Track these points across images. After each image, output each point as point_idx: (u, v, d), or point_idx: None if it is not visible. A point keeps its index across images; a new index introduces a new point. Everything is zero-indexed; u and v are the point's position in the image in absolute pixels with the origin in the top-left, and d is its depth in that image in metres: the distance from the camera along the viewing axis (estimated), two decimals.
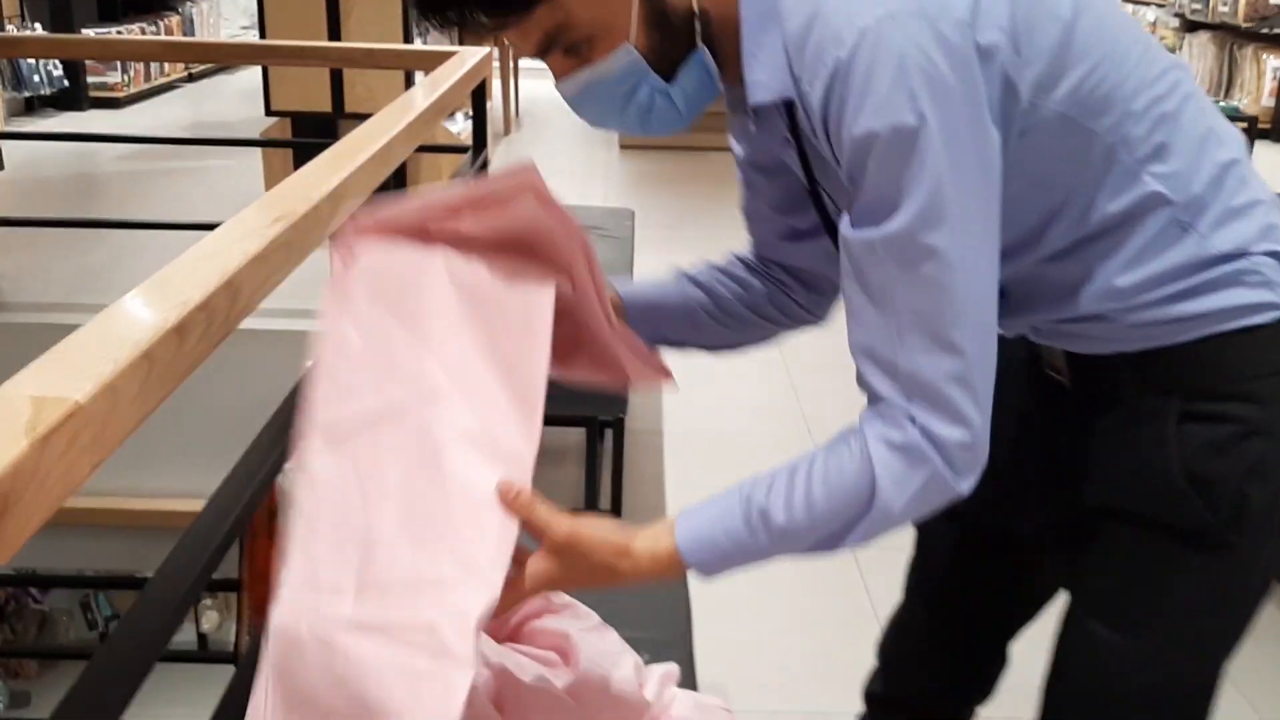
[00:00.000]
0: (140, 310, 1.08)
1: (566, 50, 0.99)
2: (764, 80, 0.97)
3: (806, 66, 0.92)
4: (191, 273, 1.20)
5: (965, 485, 0.97)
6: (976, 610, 1.40)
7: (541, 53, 1.00)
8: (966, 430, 0.94)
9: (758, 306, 1.30)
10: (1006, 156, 0.95)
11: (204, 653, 4.48)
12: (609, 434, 2.60)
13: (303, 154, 5.35)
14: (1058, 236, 1.03)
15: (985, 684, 1.47)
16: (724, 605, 2.12)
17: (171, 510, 3.93)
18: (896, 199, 0.90)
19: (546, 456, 3.06)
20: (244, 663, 1.57)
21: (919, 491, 0.96)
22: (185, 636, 6.05)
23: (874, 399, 0.99)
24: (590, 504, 2.58)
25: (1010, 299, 1.07)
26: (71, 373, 0.93)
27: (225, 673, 1.39)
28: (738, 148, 1.21)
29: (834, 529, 0.99)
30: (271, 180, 5.49)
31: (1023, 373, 1.19)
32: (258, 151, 5.53)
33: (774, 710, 2.14)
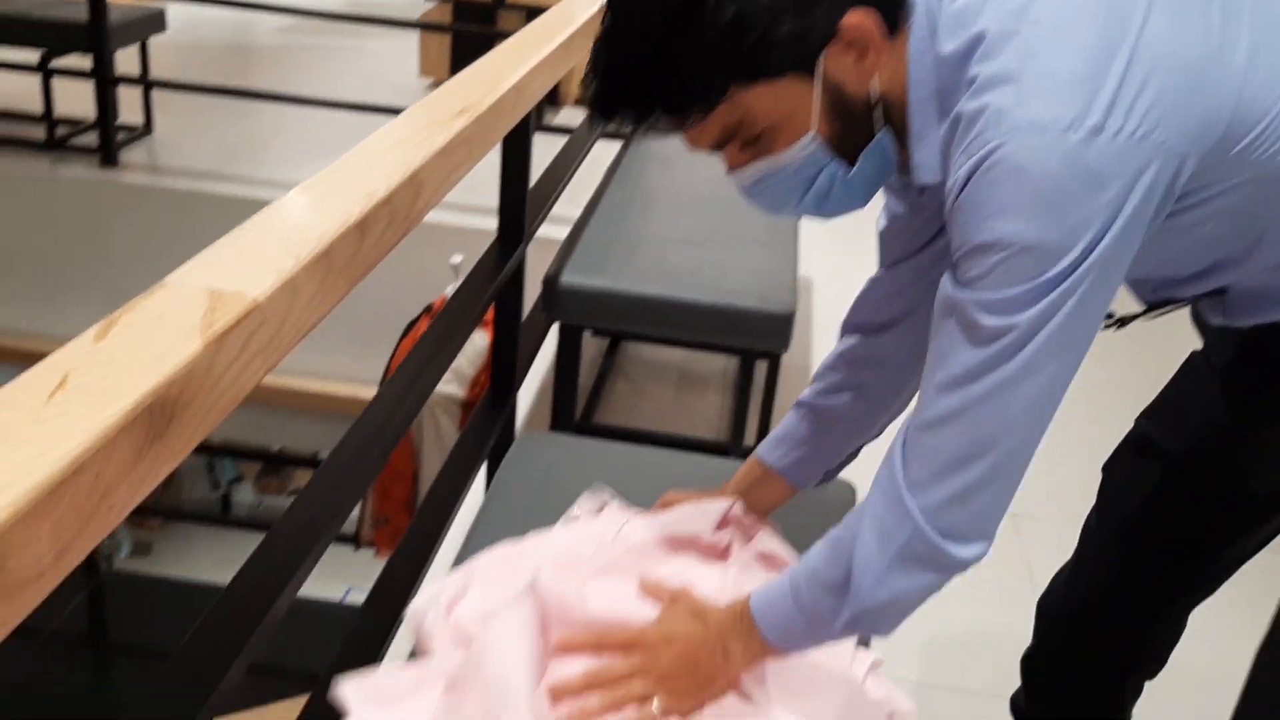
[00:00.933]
0: (321, 202, 0.98)
1: (744, 144, 0.96)
2: (928, 163, 0.96)
3: (956, 156, 0.89)
4: (373, 164, 1.11)
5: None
6: (1169, 560, 1.26)
7: (718, 147, 0.98)
8: (972, 549, 0.94)
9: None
10: (1189, 218, 0.92)
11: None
12: (762, 366, 2.48)
13: (461, 41, 5.31)
14: (1269, 254, 1.00)
15: (1160, 653, 1.35)
16: None
17: (293, 389, 3.96)
18: (1007, 309, 0.86)
19: (695, 382, 2.95)
20: (393, 557, 1.56)
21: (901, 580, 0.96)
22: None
23: (891, 467, 0.97)
24: (736, 435, 2.47)
25: (1233, 301, 1.07)
26: (249, 267, 0.84)
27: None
28: (894, 201, 1.20)
29: (822, 613, 1.00)
30: (427, 66, 5.41)
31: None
32: (415, 34, 5.46)
33: (925, 683, 2.03)
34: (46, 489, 0.58)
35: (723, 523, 1.26)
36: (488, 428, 1.88)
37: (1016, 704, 1.48)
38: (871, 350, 1.23)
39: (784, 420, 1.30)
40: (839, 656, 1.11)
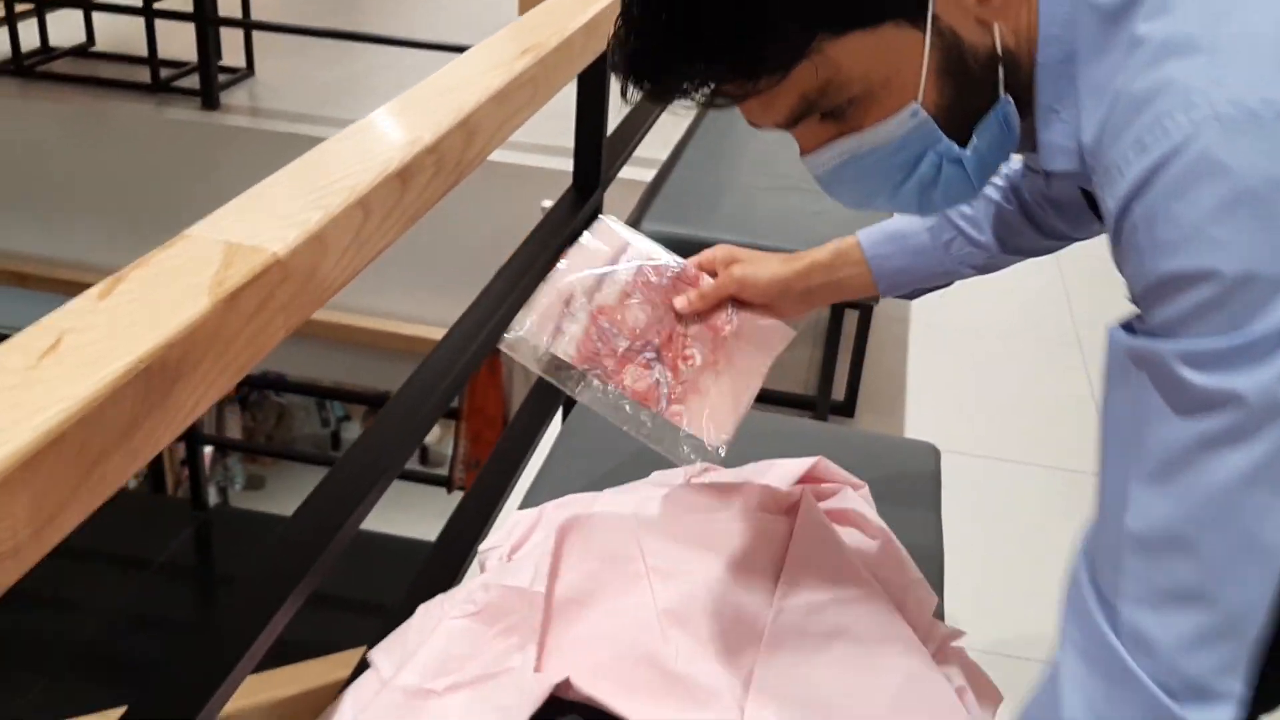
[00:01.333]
0: (360, 149, 0.94)
1: (825, 115, 0.75)
2: (1062, 144, 0.73)
3: (1120, 148, 0.65)
4: (423, 109, 1.06)
5: None
6: None
7: (793, 122, 0.76)
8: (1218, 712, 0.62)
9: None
10: None
11: (422, 473, 4.64)
12: (853, 317, 2.39)
13: None
14: None
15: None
16: (978, 537, 1.92)
17: (401, 334, 3.98)
18: (1224, 363, 0.60)
19: None
20: (466, 495, 1.57)
21: None
22: None
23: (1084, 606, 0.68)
24: (824, 388, 2.39)
25: None
26: (273, 220, 0.79)
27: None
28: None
29: None
30: (525, 4, 5.35)
31: None
32: None
33: (1020, 656, 1.95)
34: (21, 459, 0.55)
35: (806, 478, 1.20)
36: None
37: None
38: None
39: (899, 220, 1.12)
40: (905, 631, 1.05)
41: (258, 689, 1.28)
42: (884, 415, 2.49)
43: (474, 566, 1.28)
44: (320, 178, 0.87)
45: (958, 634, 1.08)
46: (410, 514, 3.58)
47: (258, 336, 0.75)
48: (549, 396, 1.81)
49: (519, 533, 1.14)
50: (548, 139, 2.99)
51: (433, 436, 6.25)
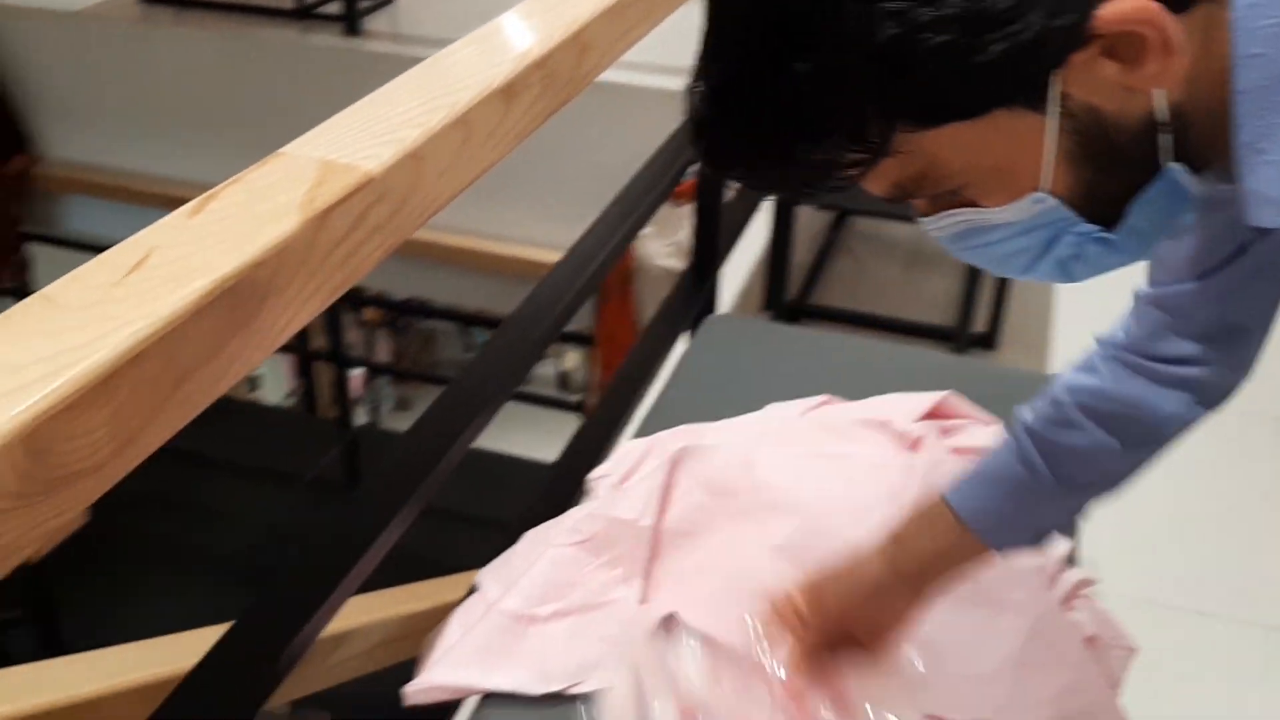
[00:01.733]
0: (464, 64, 0.91)
1: (935, 198, 0.66)
2: (1274, 194, 0.58)
3: None
4: (534, 22, 1.02)
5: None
6: None
7: (894, 201, 0.67)
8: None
9: None
10: None
11: (555, 398, 4.70)
12: None
13: None
14: None
15: None
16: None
17: (544, 261, 4.00)
18: None
19: (924, 261, 2.78)
20: (591, 419, 1.56)
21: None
22: (549, 372, 6.47)
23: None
24: (963, 319, 2.29)
25: None
26: (369, 137, 0.77)
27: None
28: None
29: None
30: None
31: None
32: None
33: (1161, 603, 1.85)
34: (102, 376, 0.54)
35: (928, 414, 1.15)
36: (686, 302, 1.81)
37: None
38: None
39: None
40: (1033, 576, 0.99)
41: (376, 607, 1.30)
42: (1028, 350, 2.38)
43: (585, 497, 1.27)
44: (421, 94, 0.85)
45: (1090, 581, 1.02)
46: (550, 438, 3.63)
47: (351, 257, 0.73)
48: (672, 324, 1.78)
49: (629, 462, 1.12)
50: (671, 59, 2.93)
51: (571, 363, 6.33)
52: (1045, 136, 0.58)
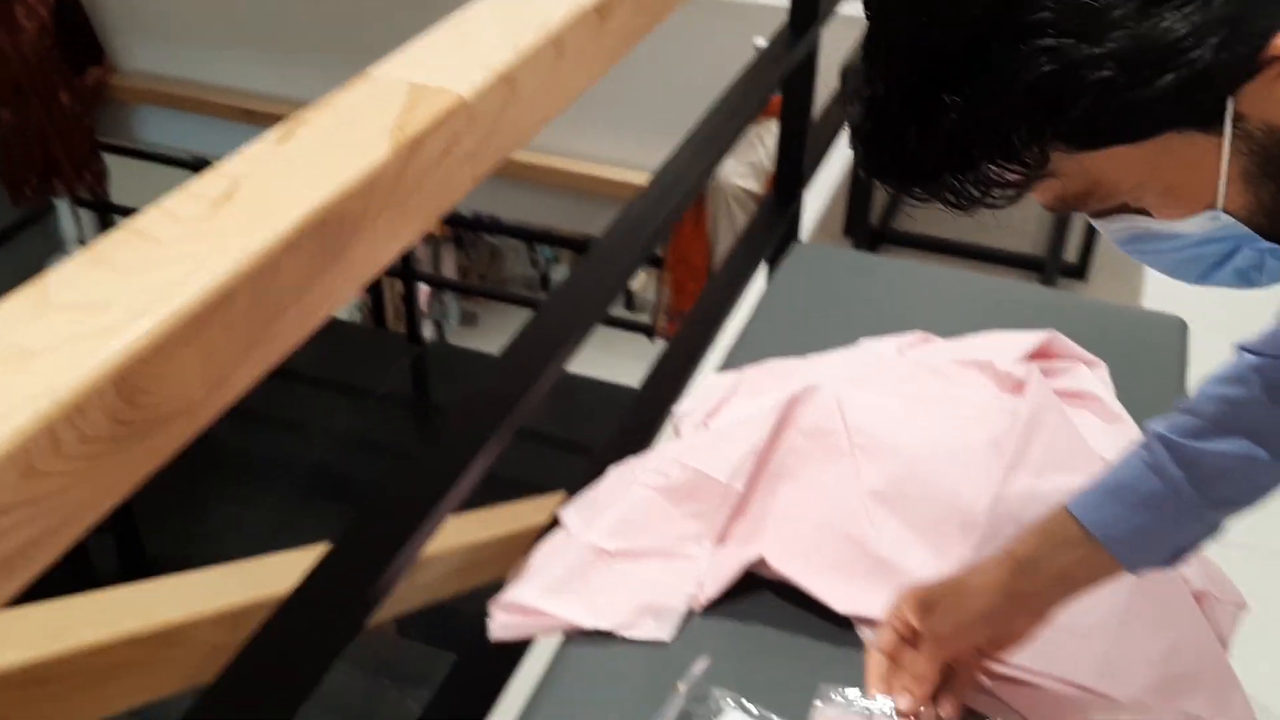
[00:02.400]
0: None
1: (1102, 211, 0.64)
2: None
3: None
4: None
5: None
6: None
7: (1060, 211, 0.65)
8: None
9: None
10: None
11: (625, 319, 4.67)
12: None
13: None
14: None
15: None
16: None
17: (610, 179, 3.94)
18: None
19: None
20: (672, 349, 1.55)
21: None
22: None
23: None
24: (1054, 248, 2.21)
25: None
26: (461, 59, 0.74)
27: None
28: None
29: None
30: None
31: None
32: None
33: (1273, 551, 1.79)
34: (193, 315, 0.52)
35: (1035, 354, 1.10)
36: (769, 228, 1.76)
37: None
38: None
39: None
40: None
41: (466, 529, 1.29)
42: (1122, 281, 2.29)
43: (669, 430, 1.24)
44: (512, 14, 0.81)
45: None
46: (615, 358, 3.61)
47: (442, 186, 0.70)
48: (754, 249, 1.73)
49: (715, 397, 1.08)
50: None
51: (638, 283, 6.28)
52: (1220, 159, 0.56)
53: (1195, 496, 0.75)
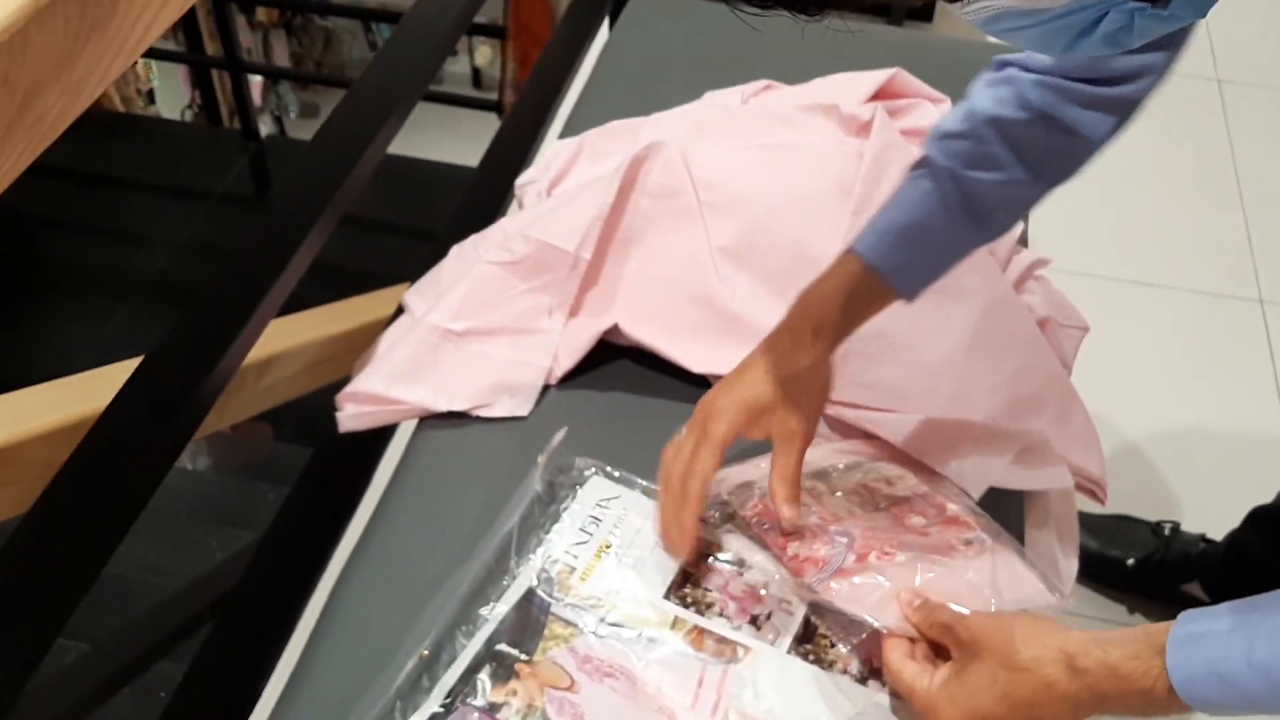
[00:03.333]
0: None
1: None
2: None
3: None
4: None
5: None
6: None
7: None
8: None
9: None
10: None
11: (469, 97, 4.48)
12: None
13: None
14: None
15: None
16: None
17: None
18: None
19: None
20: (511, 120, 1.48)
21: None
22: (461, 69, 6.18)
23: None
24: None
25: None
26: None
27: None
28: None
29: None
30: None
31: None
32: None
33: (1110, 277, 1.86)
34: None
35: (876, 95, 1.07)
36: None
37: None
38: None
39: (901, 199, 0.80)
40: (986, 260, 0.96)
41: (306, 327, 1.24)
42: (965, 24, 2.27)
43: (513, 204, 1.19)
44: None
45: (1043, 261, 0.99)
46: (464, 140, 3.48)
47: None
48: (593, 7, 1.64)
49: (558, 165, 1.04)
50: None
51: (484, 58, 6.02)
52: None
53: (970, 223, 0.77)
